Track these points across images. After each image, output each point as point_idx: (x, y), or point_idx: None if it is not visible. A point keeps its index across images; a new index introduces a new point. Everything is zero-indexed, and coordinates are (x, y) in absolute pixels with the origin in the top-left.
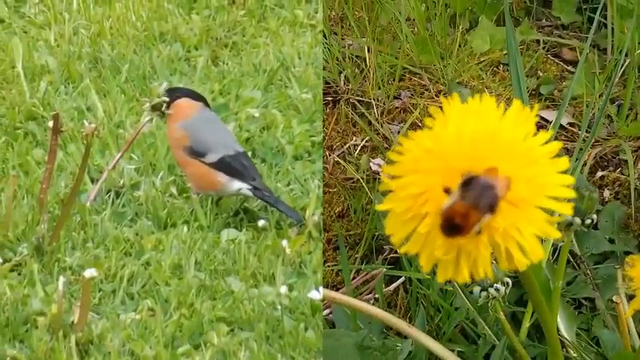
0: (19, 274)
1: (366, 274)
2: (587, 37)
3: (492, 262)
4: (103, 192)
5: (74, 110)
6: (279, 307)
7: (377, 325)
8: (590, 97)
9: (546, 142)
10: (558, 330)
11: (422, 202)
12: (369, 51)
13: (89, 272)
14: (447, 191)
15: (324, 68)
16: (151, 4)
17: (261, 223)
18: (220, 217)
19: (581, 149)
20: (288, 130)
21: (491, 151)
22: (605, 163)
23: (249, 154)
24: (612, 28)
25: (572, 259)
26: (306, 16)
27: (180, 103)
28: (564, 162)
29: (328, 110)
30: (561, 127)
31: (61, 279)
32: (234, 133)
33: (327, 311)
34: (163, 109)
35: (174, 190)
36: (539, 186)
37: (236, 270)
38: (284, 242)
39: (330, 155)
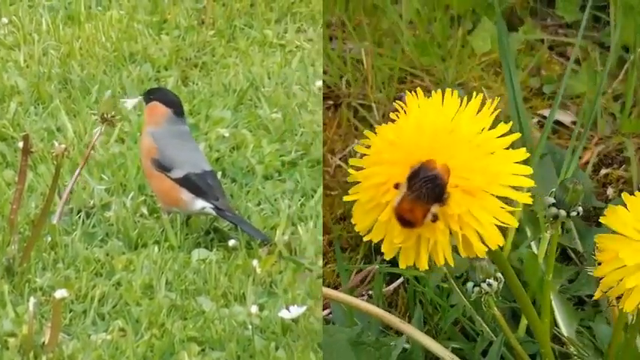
0: None
1: (362, 272)
2: (592, 36)
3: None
4: (74, 212)
5: (44, 131)
6: (250, 326)
7: (375, 324)
8: (592, 94)
9: (503, 135)
10: (557, 326)
11: (383, 191)
12: (367, 54)
13: (60, 293)
14: (397, 186)
15: (324, 72)
16: (120, 24)
17: (231, 242)
18: (191, 237)
19: (575, 148)
20: (258, 150)
21: (449, 143)
22: (609, 161)
23: (219, 173)
24: (615, 26)
25: (574, 257)
26: (276, 36)
27: (151, 107)
28: (521, 153)
29: (330, 114)
30: (565, 126)
31: (32, 300)
32: (204, 153)
33: (326, 311)
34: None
35: (144, 210)
36: (494, 175)
37: (207, 290)
38: (254, 262)
39: (332, 159)
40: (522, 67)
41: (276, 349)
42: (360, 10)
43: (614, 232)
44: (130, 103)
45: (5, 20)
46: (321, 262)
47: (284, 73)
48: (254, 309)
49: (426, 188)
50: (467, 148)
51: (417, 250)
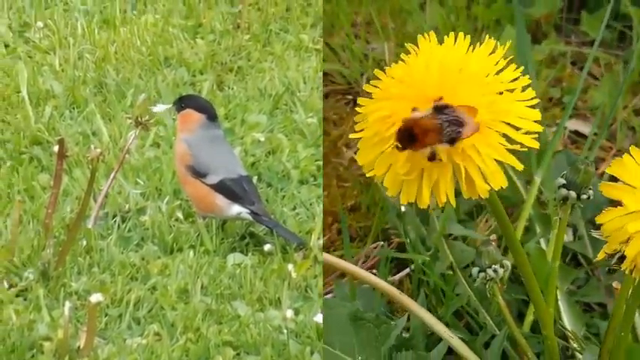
0: (25, 300)
1: (371, 260)
2: (616, 54)
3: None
4: (109, 217)
5: (79, 135)
6: (285, 331)
7: (379, 307)
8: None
9: (515, 79)
10: (562, 321)
11: (388, 125)
12: (390, 53)
13: (95, 297)
14: (415, 110)
15: (346, 68)
16: (155, 28)
17: (267, 247)
18: (226, 242)
19: (587, 156)
20: (294, 155)
21: (457, 80)
22: None
23: (255, 178)
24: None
25: (585, 264)
26: (311, 41)
27: (184, 115)
28: (529, 94)
29: (348, 109)
30: (585, 137)
31: (67, 304)
32: (240, 158)
33: (329, 296)
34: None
35: (180, 214)
36: (499, 112)
37: (242, 294)
38: (290, 266)
39: (346, 151)
40: (543, 78)
41: (312, 353)
42: (386, 12)
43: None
44: (159, 108)
45: (40, 24)
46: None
47: (319, 78)
48: (289, 313)
49: (452, 127)
50: (475, 85)
51: (420, 184)
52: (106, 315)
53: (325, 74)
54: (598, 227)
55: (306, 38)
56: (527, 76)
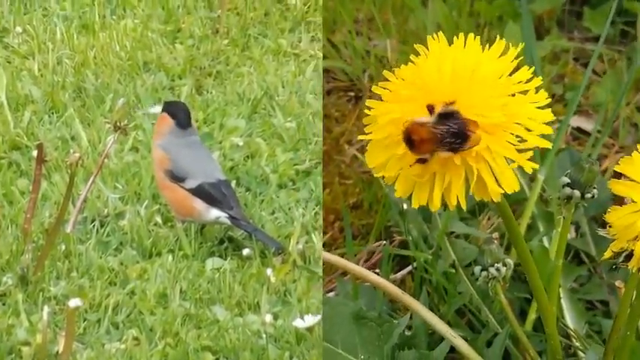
0: (4, 304)
1: (372, 259)
2: (618, 50)
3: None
4: (88, 221)
5: (58, 140)
6: (264, 335)
7: (381, 305)
8: (614, 103)
9: (528, 80)
10: (564, 320)
11: (400, 127)
12: (392, 50)
13: (74, 302)
14: (431, 109)
15: (348, 65)
16: (134, 33)
17: (245, 251)
18: (205, 246)
19: (590, 154)
20: (273, 159)
21: (470, 82)
22: None
23: (233, 182)
24: None
25: (587, 262)
26: (290, 45)
27: (159, 118)
28: (542, 96)
29: (350, 106)
30: (587, 133)
31: (46, 309)
32: (219, 162)
33: (332, 294)
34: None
35: (158, 219)
36: (513, 114)
37: (221, 299)
38: (269, 271)
39: (348, 149)
40: (546, 74)
41: (291, 358)
42: (388, 9)
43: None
44: (154, 110)
45: (19, 29)
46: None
47: (298, 82)
48: (268, 318)
49: (452, 137)
50: (488, 87)
51: (431, 188)
52: (85, 320)
53: (327, 71)
54: (601, 225)
55: (284, 43)
56: (540, 78)
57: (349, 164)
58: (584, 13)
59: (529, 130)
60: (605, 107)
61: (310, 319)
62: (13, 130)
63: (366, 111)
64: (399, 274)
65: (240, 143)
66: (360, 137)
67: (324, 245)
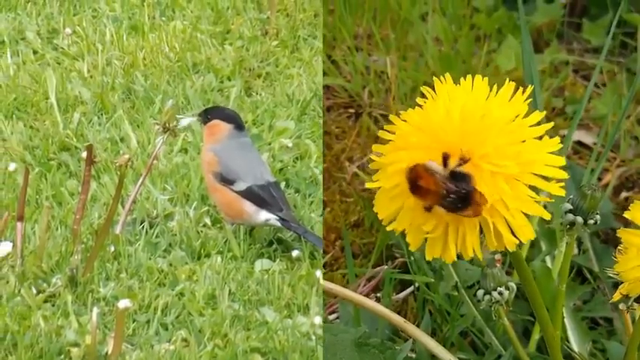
0: (53, 305)
1: (374, 280)
2: (618, 61)
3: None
4: (137, 223)
5: (107, 141)
6: (313, 337)
7: (382, 329)
8: (615, 117)
9: (537, 124)
10: (569, 342)
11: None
12: (392, 66)
13: (123, 303)
14: (445, 158)
15: (348, 82)
16: (184, 34)
17: (295, 253)
18: (254, 248)
19: (593, 168)
20: (322, 160)
21: (480, 128)
22: (631, 185)
23: (283, 184)
24: None
25: (590, 277)
26: None
27: (211, 126)
28: (554, 142)
29: (350, 123)
30: (587, 147)
31: (95, 310)
32: (268, 164)
33: (334, 316)
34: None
35: (207, 220)
36: (527, 163)
37: (270, 300)
38: (318, 272)
39: (349, 166)
40: (546, 88)
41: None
42: (387, 24)
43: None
44: (184, 121)
45: (69, 30)
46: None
47: (319, 91)
48: (317, 320)
49: (456, 199)
50: (499, 133)
51: (445, 240)
52: (134, 321)
53: (327, 88)
54: (603, 240)
55: None
56: (552, 123)
57: (350, 182)
58: (584, 25)
59: (545, 178)
60: (606, 121)
61: None
62: (63, 132)
63: (372, 156)
64: (402, 294)
65: (290, 145)
66: (368, 185)
67: (325, 265)
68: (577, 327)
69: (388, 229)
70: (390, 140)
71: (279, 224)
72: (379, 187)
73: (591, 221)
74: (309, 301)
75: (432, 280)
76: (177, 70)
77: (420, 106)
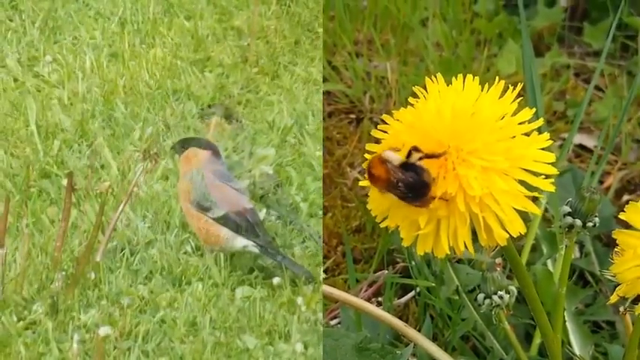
0: (34, 333)
1: (375, 285)
2: (619, 64)
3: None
4: (118, 250)
5: (88, 168)
6: None
7: (382, 334)
8: (616, 120)
9: (527, 121)
10: (571, 345)
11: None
12: (393, 71)
13: (104, 330)
14: (411, 150)
15: (349, 87)
16: (164, 62)
17: (275, 280)
18: (235, 275)
19: (594, 171)
20: (303, 188)
21: (470, 126)
22: (632, 187)
23: (264, 211)
24: None
25: (592, 281)
26: (320, 74)
27: (189, 154)
28: (543, 138)
29: (352, 128)
30: (588, 150)
31: (76, 337)
32: (249, 191)
33: (335, 321)
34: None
35: (188, 247)
36: (516, 158)
37: (251, 327)
38: (299, 299)
39: (350, 172)
40: (547, 91)
41: None
42: (387, 29)
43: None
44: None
45: (49, 58)
46: None
47: (319, 100)
48: (299, 347)
49: (405, 186)
50: (489, 130)
51: (437, 235)
52: (115, 348)
53: (328, 93)
54: (605, 244)
55: (314, 71)
56: (542, 119)
57: (351, 187)
58: (584, 28)
59: (534, 174)
60: (608, 123)
61: None
62: (43, 159)
63: (367, 155)
64: (403, 299)
65: (270, 172)
66: (361, 184)
67: (326, 271)
68: (579, 330)
69: (382, 225)
70: (384, 139)
71: (256, 250)
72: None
73: (590, 224)
74: (290, 328)
75: (433, 284)
76: (157, 98)
77: (412, 105)
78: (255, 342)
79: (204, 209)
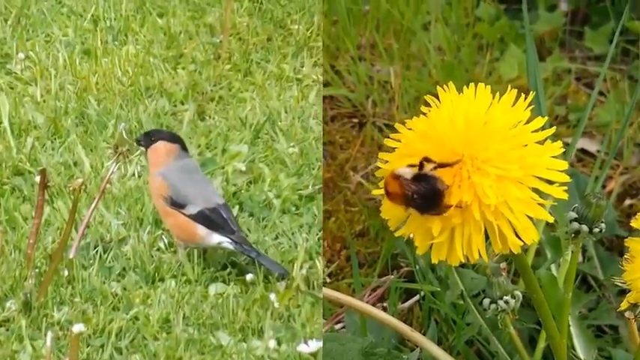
0: (7, 330)
1: (380, 288)
2: (620, 69)
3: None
4: (91, 247)
5: (61, 165)
6: None
7: (388, 338)
8: (618, 124)
9: (540, 129)
10: (574, 350)
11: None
12: (396, 75)
13: (77, 327)
14: (422, 162)
15: (352, 92)
16: (136, 59)
17: (249, 277)
18: (208, 271)
19: (598, 175)
20: (276, 184)
21: (483, 134)
22: (634, 192)
23: (237, 207)
24: None
25: (595, 285)
26: (292, 70)
27: (156, 148)
28: (557, 146)
29: (355, 133)
30: (590, 154)
31: (49, 334)
32: (221, 187)
33: (339, 325)
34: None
35: (161, 244)
36: (530, 166)
37: (224, 324)
38: (272, 296)
39: (353, 176)
40: (548, 96)
41: None
42: (390, 34)
43: None
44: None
45: (22, 55)
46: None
47: (301, 107)
48: (272, 343)
49: (420, 199)
50: (502, 138)
51: (451, 244)
52: (89, 345)
53: (330, 98)
54: (607, 248)
55: (287, 68)
56: (554, 128)
57: (354, 191)
58: (585, 33)
59: (548, 182)
60: (611, 128)
61: (314, 345)
62: (16, 156)
63: (379, 164)
64: (407, 304)
65: (243, 168)
66: (374, 193)
67: (330, 275)
68: (583, 335)
69: (397, 234)
70: (396, 148)
71: (231, 247)
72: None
73: (596, 230)
74: (264, 325)
75: (439, 289)
76: (130, 95)
77: (425, 114)
78: (229, 338)
79: (178, 206)
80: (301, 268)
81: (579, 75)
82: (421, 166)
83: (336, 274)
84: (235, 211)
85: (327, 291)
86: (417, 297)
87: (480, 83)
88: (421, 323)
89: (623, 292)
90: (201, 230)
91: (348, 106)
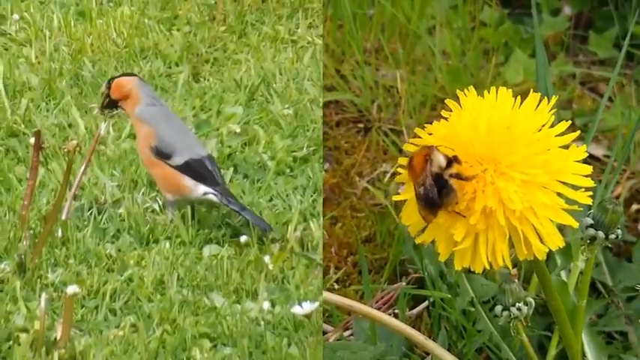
0: (2, 291)
1: (388, 294)
2: (625, 73)
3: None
4: (85, 208)
5: (55, 127)
6: (262, 322)
7: (398, 346)
8: (625, 128)
9: (563, 133)
10: (585, 356)
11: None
12: (402, 80)
13: (71, 289)
14: (457, 160)
15: (357, 96)
16: (131, 20)
17: (243, 238)
18: (202, 233)
19: (608, 181)
20: (270, 146)
21: (507, 139)
22: None
23: (231, 169)
24: None
25: (604, 291)
26: (287, 32)
27: (118, 82)
28: (581, 151)
29: (360, 138)
30: (597, 159)
31: (44, 296)
32: (216, 149)
33: (347, 332)
34: (105, 101)
35: (156, 206)
36: (555, 171)
37: (218, 286)
38: (266, 258)
39: (359, 181)
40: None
41: (289, 345)
42: (395, 38)
43: None
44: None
45: (17, 17)
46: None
47: (295, 69)
48: (266, 305)
49: (423, 198)
50: (526, 142)
51: (475, 250)
52: (83, 307)
53: (336, 102)
54: (615, 253)
55: (282, 29)
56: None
57: (360, 197)
58: (590, 37)
59: (574, 187)
60: (618, 133)
61: (308, 306)
62: (11, 118)
63: (399, 169)
64: (415, 310)
65: (238, 130)
66: (395, 198)
67: (337, 281)
68: (593, 342)
69: (417, 241)
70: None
71: (216, 199)
72: (405, 200)
73: (613, 236)
74: (258, 287)
75: (449, 295)
76: (125, 56)
77: (446, 118)
78: (223, 300)
79: (164, 157)
80: (295, 230)
81: (583, 79)
82: (449, 163)
83: (343, 280)
84: (230, 172)
85: (338, 298)
86: (425, 303)
87: (492, 87)
88: (429, 330)
89: (631, 299)
90: (188, 182)
91: (354, 111)
